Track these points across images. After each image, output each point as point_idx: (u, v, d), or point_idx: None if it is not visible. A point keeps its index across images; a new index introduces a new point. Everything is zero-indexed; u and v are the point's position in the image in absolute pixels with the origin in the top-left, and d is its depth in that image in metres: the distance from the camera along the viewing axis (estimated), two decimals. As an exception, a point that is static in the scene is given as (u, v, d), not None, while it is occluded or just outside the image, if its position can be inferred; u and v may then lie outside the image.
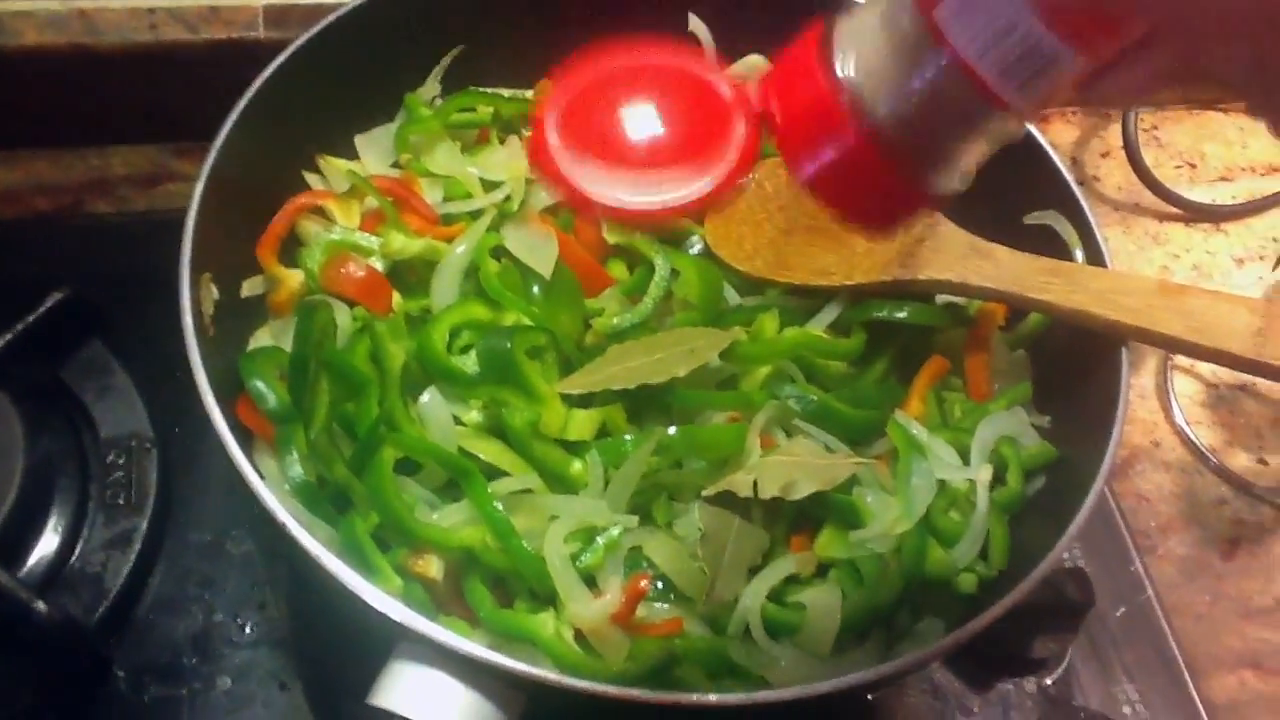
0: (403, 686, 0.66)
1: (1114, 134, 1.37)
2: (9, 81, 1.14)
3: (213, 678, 0.92)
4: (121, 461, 0.98)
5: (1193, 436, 1.15)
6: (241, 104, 0.86)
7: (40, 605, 0.85)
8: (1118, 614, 1.03)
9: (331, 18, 0.91)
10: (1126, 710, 0.98)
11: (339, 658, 0.91)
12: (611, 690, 0.65)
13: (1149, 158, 1.30)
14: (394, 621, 0.66)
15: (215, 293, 0.83)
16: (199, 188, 0.81)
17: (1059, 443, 0.87)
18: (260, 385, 0.81)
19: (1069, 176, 0.91)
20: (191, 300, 0.77)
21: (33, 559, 0.93)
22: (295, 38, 0.94)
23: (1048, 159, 0.92)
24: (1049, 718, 0.93)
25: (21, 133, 1.20)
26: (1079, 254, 0.88)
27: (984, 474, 0.82)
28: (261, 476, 0.72)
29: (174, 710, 0.90)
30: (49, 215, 1.17)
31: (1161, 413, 1.17)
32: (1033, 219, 0.92)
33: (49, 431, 0.99)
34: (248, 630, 0.94)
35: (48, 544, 0.95)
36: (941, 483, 0.83)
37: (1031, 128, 0.93)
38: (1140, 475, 1.12)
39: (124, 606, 0.93)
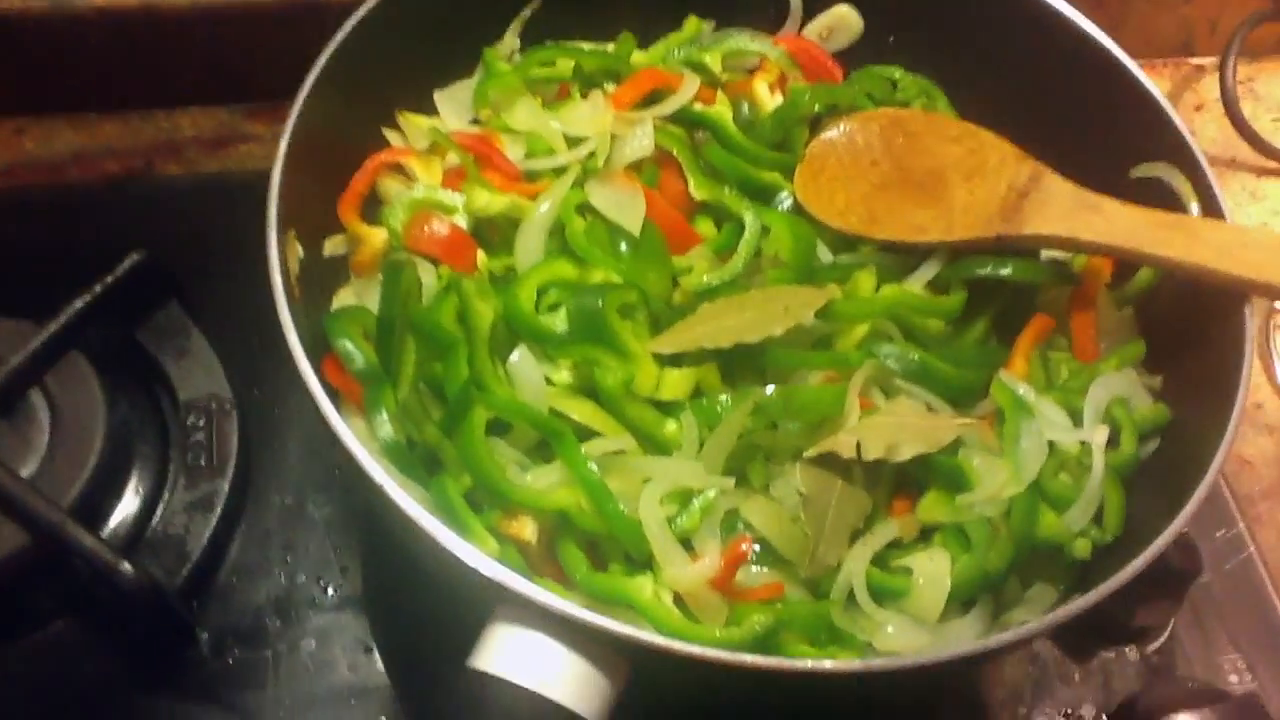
0: (506, 650, 0.64)
1: (1207, 86, 1.32)
2: (76, 43, 1.13)
3: (297, 641, 0.91)
4: (201, 424, 0.97)
5: (1295, 399, 1.11)
6: (322, 60, 0.84)
7: (126, 567, 0.84)
8: (1221, 581, 0.99)
9: (409, -29, 0.89)
10: (1233, 679, 0.95)
11: (424, 621, 0.91)
12: (726, 656, 0.63)
13: (1245, 110, 1.25)
14: (497, 584, 0.64)
15: (300, 251, 0.81)
16: (283, 144, 0.79)
17: (1171, 404, 0.83)
18: (348, 345, 0.79)
19: (1181, 125, 0.86)
20: (279, 259, 0.74)
21: (114, 521, 0.93)
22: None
23: (1156, 106, 0.88)
24: (1152, 687, 0.90)
25: (89, 95, 1.19)
26: (1194, 208, 0.84)
27: (1099, 435, 0.79)
28: (351, 437, 0.70)
29: (259, 673, 0.89)
30: (119, 178, 1.17)
31: (1264, 374, 1.12)
32: (1141, 172, 0.88)
33: (128, 394, 0.98)
34: (330, 593, 0.93)
35: (129, 507, 0.94)
36: (1050, 445, 0.80)
37: (1136, 70, 0.89)
38: (1242, 438, 1.08)
39: (206, 569, 0.93)
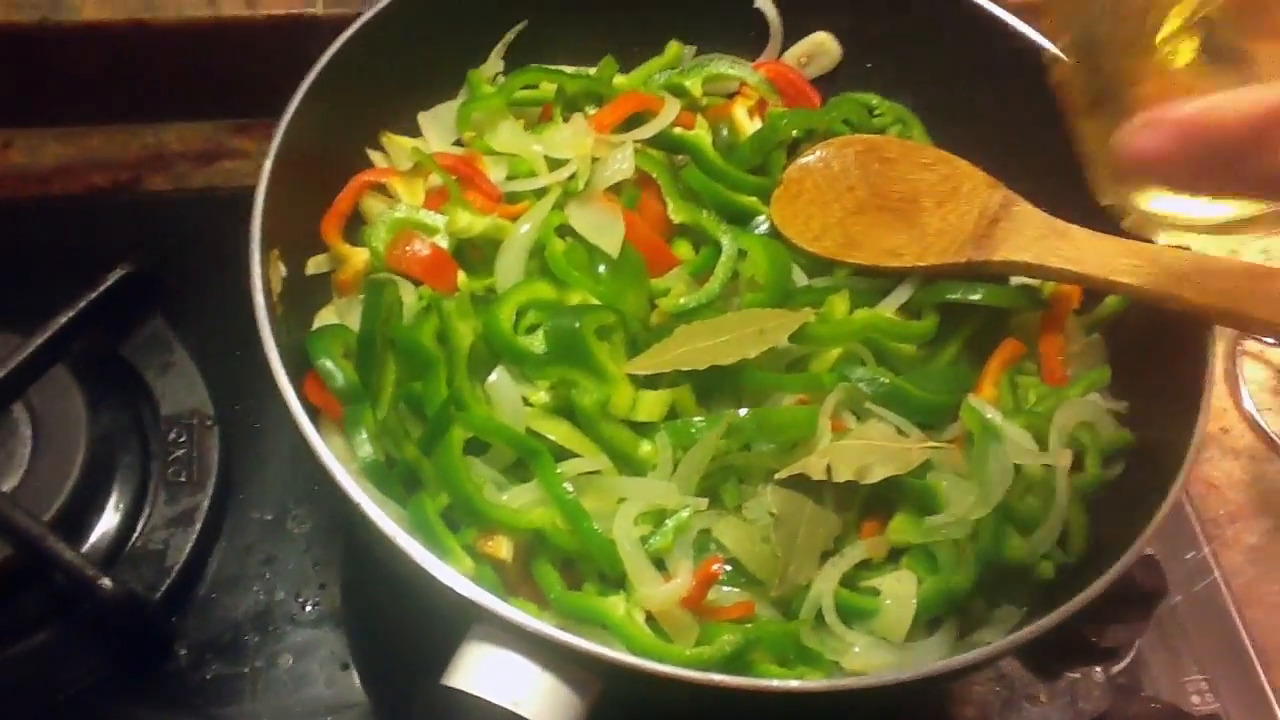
0: (479, 668, 0.65)
1: (1179, 114, 1.34)
2: (65, 57, 1.14)
3: (275, 656, 0.92)
4: (183, 439, 0.98)
5: (1262, 423, 1.13)
6: (309, 79, 0.85)
7: (105, 581, 0.85)
8: (1187, 603, 1.01)
9: (395, -7, 0.90)
10: (1195, 700, 0.96)
11: (401, 638, 0.91)
12: (693, 675, 0.64)
13: (1216, 138, 1.27)
14: (472, 603, 0.65)
15: (283, 270, 0.83)
16: (268, 163, 0.80)
17: (1136, 429, 0.85)
18: (328, 364, 0.80)
19: (1149, 156, 0.88)
20: (262, 277, 0.75)
21: (95, 535, 0.94)
22: (354, 13, 0.93)
23: (1125, 138, 0.90)
24: (1118, 707, 0.92)
25: (77, 108, 1.20)
26: (1161, 237, 0.86)
27: (1064, 459, 0.80)
28: (330, 456, 0.71)
29: (236, 688, 0.90)
30: (107, 191, 1.18)
31: (1230, 399, 1.14)
32: (1111, 199, 0.90)
33: (110, 408, 0.99)
34: (309, 609, 0.94)
35: (109, 521, 0.95)
36: (1017, 468, 0.81)
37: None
38: (1209, 462, 1.10)
39: (186, 584, 0.93)
